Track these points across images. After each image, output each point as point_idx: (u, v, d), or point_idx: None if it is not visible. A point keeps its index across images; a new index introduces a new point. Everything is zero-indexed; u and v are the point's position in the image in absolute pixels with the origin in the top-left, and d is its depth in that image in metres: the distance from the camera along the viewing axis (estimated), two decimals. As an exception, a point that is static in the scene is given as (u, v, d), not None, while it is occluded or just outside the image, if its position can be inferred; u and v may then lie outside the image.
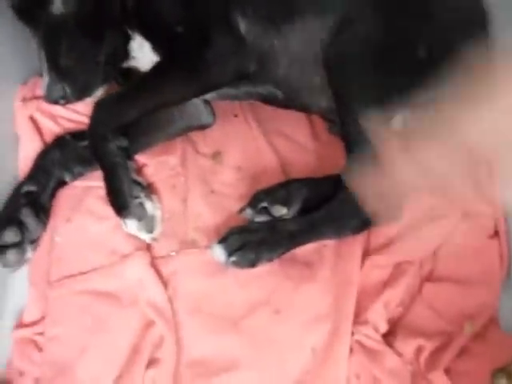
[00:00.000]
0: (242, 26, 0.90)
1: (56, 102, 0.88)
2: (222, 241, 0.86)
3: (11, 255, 0.88)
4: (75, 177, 0.97)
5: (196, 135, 1.03)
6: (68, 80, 0.86)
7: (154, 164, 0.98)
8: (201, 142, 1.02)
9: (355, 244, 0.90)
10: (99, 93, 0.92)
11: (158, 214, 0.91)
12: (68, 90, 0.86)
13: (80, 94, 0.88)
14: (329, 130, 1.00)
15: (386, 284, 0.88)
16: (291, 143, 1.02)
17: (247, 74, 0.90)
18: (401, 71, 0.85)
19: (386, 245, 0.91)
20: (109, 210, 0.91)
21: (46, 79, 0.86)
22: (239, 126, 1.04)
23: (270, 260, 0.86)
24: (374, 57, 0.84)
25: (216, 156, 1.01)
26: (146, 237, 0.90)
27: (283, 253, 0.86)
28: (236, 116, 1.05)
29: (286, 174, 0.99)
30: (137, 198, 0.88)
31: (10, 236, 0.88)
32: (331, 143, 1.00)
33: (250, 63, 0.90)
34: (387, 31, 0.84)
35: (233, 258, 0.85)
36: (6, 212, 0.91)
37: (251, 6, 0.90)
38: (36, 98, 1.00)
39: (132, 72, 0.98)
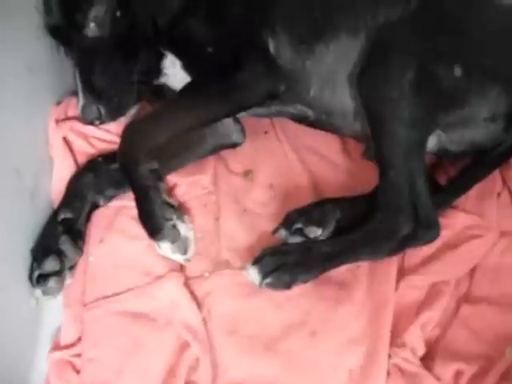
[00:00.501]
0: (272, 46, 0.90)
1: (91, 123, 0.89)
2: (256, 262, 0.85)
3: (52, 283, 0.88)
4: (108, 199, 0.97)
5: (227, 153, 1.03)
6: (103, 101, 0.87)
7: (185, 183, 0.98)
8: (232, 159, 1.03)
9: (390, 264, 0.89)
10: (132, 111, 0.94)
11: (191, 235, 0.90)
12: (103, 111, 0.87)
13: (115, 114, 0.89)
14: (363, 154, 0.99)
15: (423, 305, 0.87)
16: (323, 160, 1.02)
17: (277, 95, 0.90)
18: (437, 91, 0.84)
19: (422, 264, 0.90)
20: (141, 230, 0.91)
21: (81, 100, 0.88)
22: (270, 143, 1.04)
23: (305, 282, 0.86)
24: (409, 76, 0.83)
25: (247, 174, 1.01)
26: (179, 258, 0.89)
27: (318, 275, 0.86)
28: (266, 133, 1.05)
29: (318, 192, 0.99)
30: (169, 220, 0.88)
31: (51, 265, 0.88)
32: (363, 161, 0.99)
33: (280, 84, 0.90)
34: (424, 51, 0.84)
35: (267, 280, 0.84)
36: (45, 241, 0.91)
37: (281, 27, 0.90)
38: (69, 118, 1.00)
39: (164, 89, 0.98)
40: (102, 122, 0.89)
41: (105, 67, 0.87)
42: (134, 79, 0.89)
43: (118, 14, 0.86)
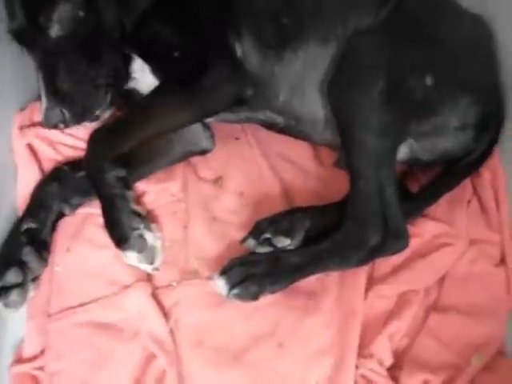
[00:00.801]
0: (239, 51, 0.89)
1: (55, 127, 0.87)
2: (224, 273, 0.84)
3: (14, 296, 0.86)
4: (74, 208, 0.95)
5: (197, 160, 1.01)
6: (67, 104, 0.85)
7: (154, 191, 0.97)
8: (202, 166, 1.01)
9: (359, 273, 0.89)
10: (105, 116, 0.91)
11: (158, 244, 0.88)
12: (67, 114, 0.85)
13: (79, 118, 0.87)
14: (335, 163, 0.98)
15: (391, 315, 0.87)
16: (294, 167, 1.01)
17: (245, 100, 0.89)
18: (408, 101, 0.84)
19: (391, 273, 0.90)
20: (108, 239, 0.88)
21: (44, 103, 0.85)
22: (241, 149, 1.03)
23: (273, 292, 0.85)
24: (379, 85, 0.83)
25: (217, 181, 0.99)
26: (146, 268, 0.88)
27: (286, 285, 0.85)
28: (237, 139, 1.04)
29: (289, 200, 0.98)
30: (136, 229, 0.86)
31: (13, 277, 0.86)
32: (335, 169, 0.99)
33: (246, 89, 0.89)
34: (394, 60, 0.83)
35: (235, 291, 0.83)
36: (7, 252, 0.89)
37: (248, 31, 0.89)
38: (34, 124, 0.98)
39: (133, 94, 0.96)
40: (67, 126, 0.86)
41: (69, 69, 0.85)
42: (100, 82, 0.87)
43: (81, 14, 0.84)
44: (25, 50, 0.89)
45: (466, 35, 0.90)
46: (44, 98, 0.85)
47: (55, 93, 0.84)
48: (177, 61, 0.87)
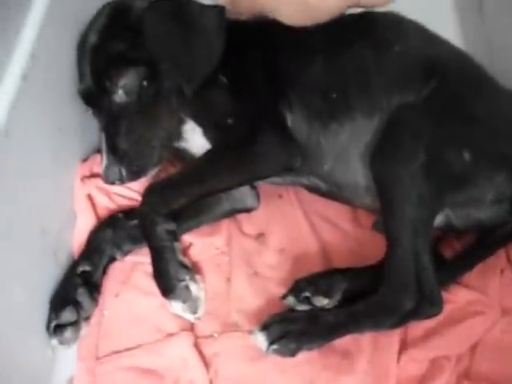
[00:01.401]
0: (290, 120, 0.94)
1: (113, 183, 0.94)
2: (264, 328, 0.88)
3: (68, 333, 0.91)
4: (125, 254, 1.01)
5: (241, 215, 1.07)
6: (125, 163, 0.92)
7: (200, 244, 1.03)
8: (246, 222, 1.07)
9: (393, 336, 0.92)
10: (153, 172, 0.98)
11: (202, 295, 0.93)
12: (124, 173, 0.92)
13: (135, 176, 0.94)
14: (373, 226, 1.03)
15: (423, 379, 0.89)
16: (333, 227, 1.06)
17: (293, 169, 0.95)
18: (446, 175, 0.89)
19: (423, 338, 0.92)
20: (155, 287, 0.94)
21: (104, 161, 0.93)
22: (283, 207, 1.08)
23: (310, 349, 0.89)
24: (420, 158, 0.87)
25: (260, 237, 1.05)
26: (190, 317, 0.92)
27: (323, 343, 0.89)
28: (280, 197, 1.09)
29: (327, 258, 1.03)
30: (182, 280, 0.91)
31: (68, 315, 0.92)
32: (372, 230, 1.03)
33: (295, 159, 0.94)
34: (434, 136, 0.88)
35: (274, 347, 0.87)
36: (63, 292, 0.95)
37: (299, 102, 0.95)
38: (94, 175, 1.06)
39: (183, 153, 1.03)
40: (123, 183, 0.94)
41: (129, 131, 0.93)
42: (155, 144, 0.95)
43: (145, 83, 0.92)
44: (90, 110, 0.98)
45: (504, 112, 0.95)
46: (105, 156, 0.93)
47: (115, 152, 0.92)
48: (230, 127, 0.93)
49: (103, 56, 0.92)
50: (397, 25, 1.02)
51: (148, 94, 0.93)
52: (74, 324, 0.92)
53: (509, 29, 1.16)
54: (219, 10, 0.94)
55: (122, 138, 0.93)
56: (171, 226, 0.93)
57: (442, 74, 0.93)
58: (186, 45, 0.90)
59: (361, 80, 0.95)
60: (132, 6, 0.95)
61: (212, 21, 0.92)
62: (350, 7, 1.00)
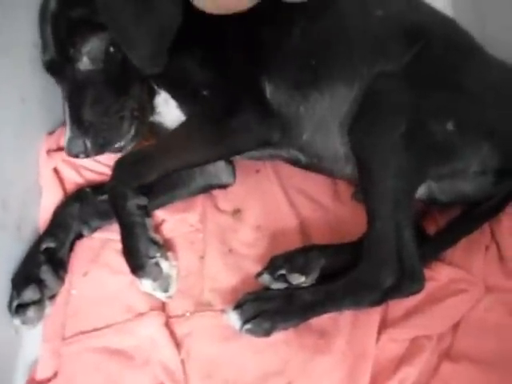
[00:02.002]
0: (268, 91, 0.90)
1: (76, 156, 0.89)
2: (238, 307, 0.85)
3: (31, 313, 0.87)
4: (93, 231, 0.97)
5: (217, 191, 1.03)
6: (90, 135, 0.87)
7: (173, 220, 0.98)
8: (221, 198, 1.03)
9: (372, 314, 0.88)
10: (129, 148, 0.93)
11: (173, 273, 0.89)
12: (89, 145, 0.87)
13: (100, 149, 0.89)
14: (353, 196, 0.99)
15: (403, 360, 0.85)
16: (312, 202, 1.02)
17: (271, 143, 0.90)
18: (429, 145, 0.84)
19: (404, 317, 0.89)
20: (125, 265, 0.90)
21: (68, 133, 0.88)
22: (261, 183, 1.04)
23: (285, 329, 0.85)
24: (401, 128, 0.84)
25: (236, 213, 1.01)
26: (161, 296, 0.89)
27: (298, 323, 0.85)
28: (258, 172, 1.05)
29: (305, 235, 0.99)
30: (153, 257, 0.87)
31: (30, 294, 0.88)
32: (353, 204, 0.99)
33: (274, 133, 0.90)
34: (416, 105, 0.84)
35: (248, 326, 0.84)
36: (26, 270, 0.90)
37: (278, 72, 0.90)
38: (61, 148, 1.00)
39: (158, 127, 0.98)
40: (87, 156, 0.89)
41: (94, 101, 0.87)
42: (124, 114, 0.89)
43: (112, 49, 0.86)
44: (54, 79, 0.92)
45: (491, 82, 0.90)
46: (68, 128, 0.87)
47: (79, 123, 0.86)
48: (205, 99, 0.88)
49: (65, 22, 0.86)
50: None
51: (115, 60, 0.87)
52: (38, 303, 0.88)
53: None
54: None
55: (87, 108, 0.87)
56: (142, 201, 0.89)
57: (425, 39, 0.89)
58: (136, 19, 0.82)
59: (341, 46, 0.90)
60: None
61: None
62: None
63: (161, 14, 0.83)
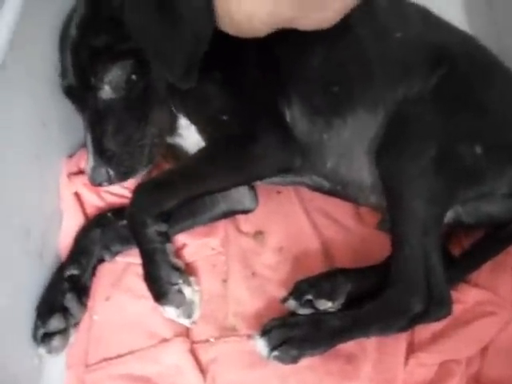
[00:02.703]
0: (289, 117, 0.89)
1: (99, 185, 0.88)
2: (265, 334, 0.84)
3: (56, 342, 0.86)
4: (114, 255, 0.96)
5: (238, 213, 1.02)
6: (112, 164, 0.86)
7: (194, 244, 0.97)
8: (243, 220, 1.01)
9: (399, 338, 0.87)
10: (145, 171, 0.92)
11: (197, 298, 0.87)
12: (112, 174, 0.86)
13: (123, 177, 0.88)
14: (378, 225, 0.98)
15: (432, 384, 0.85)
16: (334, 224, 1.01)
17: (292, 170, 0.89)
18: (457, 169, 0.84)
19: (432, 341, 0.88)
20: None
21: (90, 162, 0.87)
22: (282, 204, 1.03)
23: (312, 356, 0.84)
24: (431, 153, 0.83)
25: (258, 236, 0.99)
26: (184, 322, 0.87)
27: (326, 350, 0.84)
28: (279, 193, 1.04)
29: (328, 257, 0.97)
30: (175, 284, 0.85)
31: (56, 323, 0.87)
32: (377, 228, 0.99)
33: (295, 159, 0.88)
34: (444, 129, 0.83)
35: (275, 353, 0.82)
36: (51, 298, 0.89)
37: (298, 98, 0.89)
38: (82, 171, 0.99)
39: (177, 149, 0.97)
40: (111, 184, 0.88)
41: (116, 130, 0.86)
42: (145, 142, 0.88)
43: (134, 77, 0.85)
44: (74, 105, 0.90)
45: None
46: (91, 157, 0.86)
47: (102, 152, 0.85)
48: (225, 124, 0.87)
49: (86, 50, 0.84)
50: (398, 8, 0.96)
51: (137, 88, 0.86)
52: (63, 332, 0.87)
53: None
54: None
55: (109, 137, 0.86)
56: (162, 228, 0.87)
57: (449, 60, 0.87)
58: (169, 32, 0.80)
59: (362, 71, 0.89)
60: None
61: (198, 4, 0.80)
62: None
63: (191, 22, 0.80)
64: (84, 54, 0.84)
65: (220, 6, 0.78)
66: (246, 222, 1.01)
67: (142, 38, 0.82)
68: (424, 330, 0.88)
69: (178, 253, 0.95)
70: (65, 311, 0.88)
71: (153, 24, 0.81)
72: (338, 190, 0.95)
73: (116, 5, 0.83)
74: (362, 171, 0.91)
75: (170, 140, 0.95)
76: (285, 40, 0.89)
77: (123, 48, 0.83)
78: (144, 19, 0.81)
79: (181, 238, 0.97)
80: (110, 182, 0.86)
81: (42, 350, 0.87)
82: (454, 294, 0.88)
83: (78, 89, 0.86)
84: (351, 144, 0.90)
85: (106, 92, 0.85)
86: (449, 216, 0.90)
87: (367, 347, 0.87)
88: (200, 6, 0.79)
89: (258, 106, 0.88)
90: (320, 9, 0.79)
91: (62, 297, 0.89)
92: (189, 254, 0.97)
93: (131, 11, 0.82)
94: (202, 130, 0.90)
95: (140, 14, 0.81)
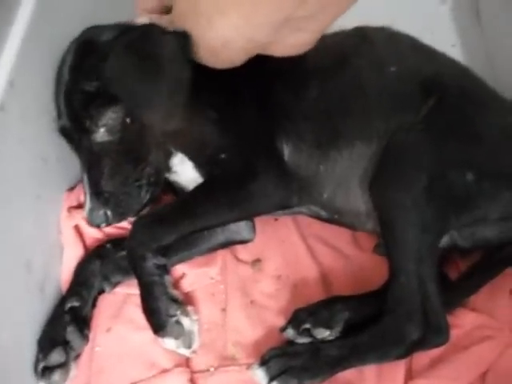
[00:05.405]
0: (287, 153, 0.90)
1: (98, 227, 0.89)
2: (264, 364, 0.84)
3: (57, 376, 0.87)
4: (114, 286, 0.97)
5: (236, 240, 1.03)
6: (110, 205, 0.86)
7: (193, 274, 0.98)
8: (241, 248, 1.02)
9: (398, 365, 0.87)
10: (145, 211, 0.91)
11: (195, 328, 0.88)
12: (110, 215, 0.86)
13: (122, 217, 0.89)
14: (374, 249, 0.99)
15: (431, 412, 0.85)
16: (332, 251, 1.01)
17: (290, 207, 0.90)
18: (449, 197, 0.84)
19: (431, 366, 0.88)
20: (147, 321, 0.91)
21: (88, 204, 0.86)
22: (279, 231, 1.04)
23: (312, 384, 0.85)
24: (423, 182, 0.84)
25: (256, 263, 1.00)
26: (184, 352, 0.88)
27: (325, 379, 0.84)
28: (276, 220, 1.05)
29: (327, 284, 0.98)
30: (173, 316, 0.86)
31: (56, 357, 0.87)
32: (374, 254, 1.00)
33: (293, 197, 0.90)
34: (436, 157, 0.84)
35: (274, 383, 0.82)
36: (52, 331, 0.90)
37: (295, 133, 0.90)
38: (81, 205, 1.00)
39: (174, 185, 0.98)
40: (109, 225, 0.88)
41: (113, 171, 0.86)
42: (142, 183, 0.88)
43: (128, 120, 0.84)
44: (69, 146, 0.90)
45: (507, 127, 0.90)
46: (88, 199, 0.86)
47: (99, 194, 0.85)
48: (223, 162, 0.88)
49: (78, 95, 0.84)
50: (392, 42, 0.98)
51: (131, 130, 0.85)
52: (64, 365, 0.88)
53: (507, 36, 1.12)
54: (179, 35, 0.78)
55: (106, 178, 0.86)
56: (161, 261, 0.88)
57: (440, 91, 0.89)
58: (148, 76, 0.81)
59: (357, 104, 0.90)
60: (99, 41, 0.86)
61: (170, 49, 0.79)
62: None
63: (170, 71, 0.81)
64: (77, 99, 0.84)
65: (195, 34, 0.77)
66: (243, 250, 1.02)
67: (122, 89, 0.82)
68: (422, 356, 0.88)
69: (177, 282, 0.97)
70: (66, 344, 0.89)
71: (131, 75, 0.81)
72: (335, 218, 0.96)
73: (103, 50, 0.83)
74: (358, 200, 0.92)
75: (166, 176, 0.95)
76: (280, 75, 0.91)
77: (114, 92, 0.83)
78: (122, 71, 0.81)
79: (180, 268, 0.98)
80: (108, 222, 0.87)
81: None
82: (452, 319, 0.88)
83: (73, 131, 0.87)
84: (347, 174, 0.91)
85: (101, 135, 0.85)
86: (444, 241, 0.90)
87: (366, 374, 0.87)
88: (172, 47, 0.79)
89: (255, 144, 0.89)
90: (296, 30, 0.77)
91: (64, 330, 0.90)
92: (188, 284, 0.98)
93: (115, 59, 0.82)
94: (199, 168, 0.91)
95: (121, 66, 0.82)
